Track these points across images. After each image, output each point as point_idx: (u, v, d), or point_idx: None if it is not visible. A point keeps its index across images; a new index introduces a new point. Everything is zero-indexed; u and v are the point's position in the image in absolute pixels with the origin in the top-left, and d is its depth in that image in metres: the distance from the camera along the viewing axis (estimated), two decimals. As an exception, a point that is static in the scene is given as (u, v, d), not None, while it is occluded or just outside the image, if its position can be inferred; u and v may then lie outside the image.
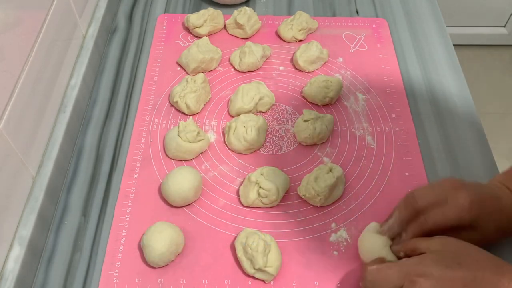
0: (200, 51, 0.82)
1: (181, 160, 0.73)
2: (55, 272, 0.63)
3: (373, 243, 0.60)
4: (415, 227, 0.59)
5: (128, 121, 0.78)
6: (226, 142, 0.75)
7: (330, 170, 0.68)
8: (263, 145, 0.75)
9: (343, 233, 0.66)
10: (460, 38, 1.99)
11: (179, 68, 0.85)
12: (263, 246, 0.60)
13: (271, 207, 0.68)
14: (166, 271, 0.63)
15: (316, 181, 0.66)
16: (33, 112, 0.66)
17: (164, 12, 0.96)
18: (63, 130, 0.72)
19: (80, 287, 0.62)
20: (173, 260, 0.63)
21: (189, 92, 0.77)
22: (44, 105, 0.70)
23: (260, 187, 0.66)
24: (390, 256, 0.59)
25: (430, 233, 0.58)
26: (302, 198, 0.68)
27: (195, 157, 0.74)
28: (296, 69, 0.86)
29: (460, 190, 0.58)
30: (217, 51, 0.84)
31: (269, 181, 0.66)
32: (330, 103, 0.80)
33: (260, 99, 0.78)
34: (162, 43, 0.89)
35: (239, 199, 0.69)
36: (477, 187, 0.60)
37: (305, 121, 0.74)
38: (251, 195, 0.67)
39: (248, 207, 0.68)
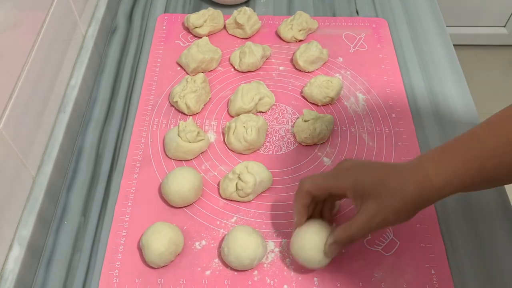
0: (200, 51, 0.82)
1: (181, 160, 0.73)
2: (55, 272, 0.63)
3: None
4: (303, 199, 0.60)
5: (128, 121, 0.78)
6: (226, 142, 0.75)
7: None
8: (263, 145, 0.75)
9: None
10: (460, 38, 1.99)
11: (179, 68, 0.85)
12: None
13: (245, 202, 0.68)
14: (166, 271, 0.63)
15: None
16: (33, 112, 0.66)
17: (164, 12, 0.96)
18: (63, 130, 0.72)
19: (80, 287, 0.62)
20: (173, 260, 0.63)
21: (189, 92, 0.77)
22: (44, 105, 0.70)
23: (239, 178, 0.67)
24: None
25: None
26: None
27: (195, 157, 0.74)
28: (296, 69, 0.86)
29: (346, 172, 0.59)
30: (217, 51, 0.84)
31: (250, 174, 0.67)
32: (330, 103, 0.80)
33: (260, 99, 0.78)
34: (162, 43, 0.89)
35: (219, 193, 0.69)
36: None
37: (305, 121, 0.74)
38: (230, 188, 0.67)
39: (225, 199, 0.69)
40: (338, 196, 0.60)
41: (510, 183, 0.55)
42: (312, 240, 0.59)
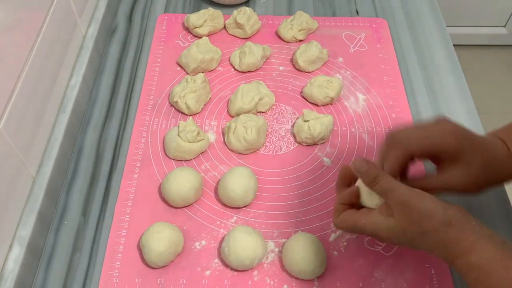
0: (200, 51, 0.82)
1: (181, 160, 0.73)
2: (55, 272, 0.63)
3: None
4: (398, 151, 0.56)
5: (128, 121, 0.78)
6: (226, 142, 0.75)
7: None
8: (263, 145, 0.75)
9: (343, 233, 0.66)
10: (460, 38, 1.99)
11: (179, 68, 0.85)
12: None
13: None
14: (166, 271, 0.63)
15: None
16: (33, 112, 0.66)
17: (164, 12, 0.96)
18: (63, 130, 0.72)
19: (80, 287, 0.62)
20: (173, 260, 0.63)
21: (189, 92, 0.77)
22: (44, 105, 0.70)
23: None
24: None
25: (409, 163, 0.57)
26: (303, 199, 0.68)
27: (195, 157, 0.74)
28: (296, 69, 0.86)
29: (445, 120, 0.57)
30: (217, 51, 0.84)
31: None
32: (330, 103, 0.80)
33: (260, 99, 0.78)
34: (162, 43, 0.89)
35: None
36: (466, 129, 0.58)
37: (305, 121, 0.74)
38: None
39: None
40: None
41: None
42: (302, 252, 0.60)
